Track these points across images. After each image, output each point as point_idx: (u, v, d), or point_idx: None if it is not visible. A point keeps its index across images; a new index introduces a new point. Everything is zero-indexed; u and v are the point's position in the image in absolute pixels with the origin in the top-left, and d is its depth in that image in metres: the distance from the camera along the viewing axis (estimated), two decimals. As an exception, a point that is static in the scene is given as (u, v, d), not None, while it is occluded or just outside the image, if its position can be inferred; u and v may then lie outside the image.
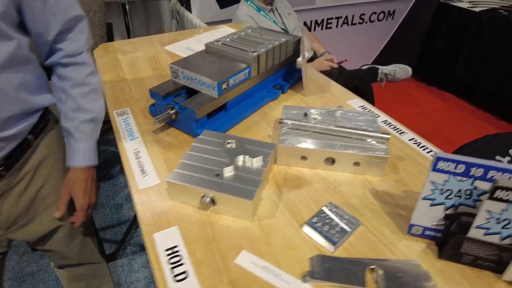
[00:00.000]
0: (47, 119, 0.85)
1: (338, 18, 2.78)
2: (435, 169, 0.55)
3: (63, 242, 0.94)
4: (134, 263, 1.66)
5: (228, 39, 1.00)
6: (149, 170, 0.75)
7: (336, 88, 1.10)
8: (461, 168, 0.54)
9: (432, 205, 0.58)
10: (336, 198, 0.69)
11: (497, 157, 1.24)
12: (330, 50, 2.17)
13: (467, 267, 0.57)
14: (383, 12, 2.95)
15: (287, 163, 0.77)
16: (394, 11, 3.00)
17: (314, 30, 2.74)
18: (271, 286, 0.53)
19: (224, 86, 0.83)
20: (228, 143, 0.73)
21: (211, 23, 1.79)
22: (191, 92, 0.88)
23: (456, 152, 1.35)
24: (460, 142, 1.34)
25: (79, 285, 1.09)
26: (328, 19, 2.74)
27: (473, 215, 0.54)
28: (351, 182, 0.73)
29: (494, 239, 0.54)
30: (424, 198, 0.58)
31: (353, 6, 2.78)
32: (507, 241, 0.54)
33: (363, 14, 2.87)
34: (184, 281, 0.54)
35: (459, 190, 0.56)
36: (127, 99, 1.01)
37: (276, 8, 2.01)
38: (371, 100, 2.07)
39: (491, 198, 0.52)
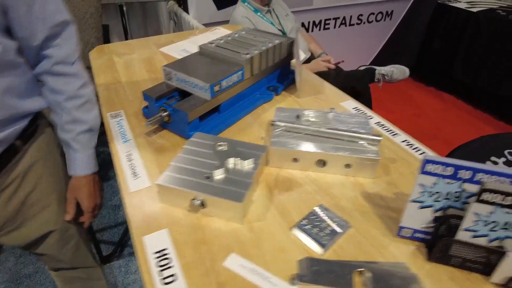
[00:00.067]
0: (37, 124, 0.84)
1: (336, 19, 2.78)
2: (423, 171, 0.55)
3: (56, 247, 0.94)
4: (131, 264, 1.66)
5: (222, 41, 1.00)
6: (141, 172, 0.75)
7: (330, 90, 1.10)
8: (449, 171, 0.54)
9: (421, 207, 0.58)
10: (327, 201, 0.69)
11: (493, 158, 1.23)
12: (328, 51, 2.17)
13: (456, 270, 0.57)
14: (381, 12, 2.95)
15: (278, 165, 0.77)
16: (392, 11, 3.00)
17: (312, 31, 2.74)
18: (259, 289, 0.53)
19: (216, 88, 0.83)
20: (219, 145, 0.73)
21: (209, 25, 1.79)
22: (184, 94, 0.88)
23: (452, 152, 1.34)
24: (458, 143, 1.34)
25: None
26: (326, 20, 2.74)
27: (462, 218, 0.54)
28: (343, 184, 0.73)
29: (482, 241, 0.54)
30: (413, 201, 0.58)
31: (351, 6, 2.78)
32: (494, 243, 0.54)
33: (361, 15, 2.87)
34: (172, 283, 0.54)
35: (448, 193, 0.56)
36: (121, 101, 1.01)
37: (273, 9, 2.01)
38: (368, 101, 2.07)
39: (479, 200, 0.52)
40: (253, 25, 1.90)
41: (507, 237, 0.53)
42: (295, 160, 0.75)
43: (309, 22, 2.69)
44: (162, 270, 0.56)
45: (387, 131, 0.90)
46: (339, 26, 2.84)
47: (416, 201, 0.58)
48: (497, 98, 2.70)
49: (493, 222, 0.53)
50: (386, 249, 0.60)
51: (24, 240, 0.89)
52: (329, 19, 2.76)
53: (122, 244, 1.76)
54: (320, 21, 2.73)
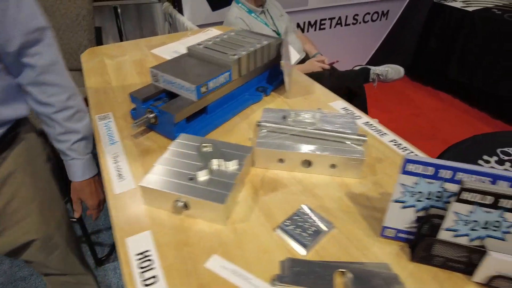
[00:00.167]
0: (17, 132, 0.82)
1: (331, 19, 2.78)
2: (404, 171, 0.55)
3: (40, 255, 0.93)
4: (125, 266, 1.66)
5: (210, 42, 1.00)
6: (126, 174, 0.75)
7: (320, 90, 1.10)
8: (430, 171, 0.54)
9: (403, 207, 0.58)
10: (311, 201, 0.69)
11: (485, 157, 1.23)
12: (324, 52, 2.17)
13: (439, 269, 0.57)
14: (376, 12, 2.95)
15: (265, 166, 0.77)
16: (388, 11, 3.00)
17: (308, 31, 2.74)
18: (239, 290, 0.53)
19: (203, 89, 0.83)
20: (204, 146, 0.73)
21: (203, 26, 1.79)
22: (172, 96, 0.88)
23: (445, 152, 1.34)
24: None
25: None
26: (321, 20, 2.74)
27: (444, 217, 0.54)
28: (328, 184, 0.73)
29: (463, 240, 0.54)
30: (395, 201, 0.58)
31: (347, 6, 2.78)
32: (476, 243, 0.54)
33: (357, 15, 2.87)
34: (153, 285, 0.54)
35: (430, 192, 0.56)
36: (111, 103, 1.01)
37: (267, 10, 2.01)
38: (363, 101, 2.07)
39: (458, 200, 0.51)
40: (247, 26, 1.90)
41: (488, 236, 0.53)
42: (281, 160, 0.75)
43: (304, 23, 2.69)
44: (143, 272, 0.56)
45: (375, 131, 0.90)
46: (334, 26, 2.84)
47: (398, 201, 0.58)
48: (493, 97, 2.69)
49: (474, 221, 0.52)
50: (369, 249, 0.60)
51: (4, 249, 0.88)
52: (325, 19, 2.76)
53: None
54: (316, 21, 2.73)
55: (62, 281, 1.04)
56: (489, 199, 0.50)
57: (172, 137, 0.83)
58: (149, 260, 0.58)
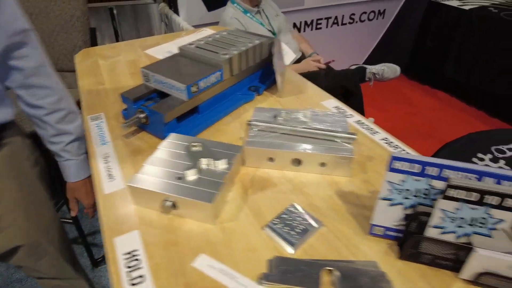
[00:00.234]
0: (2, 136, 0.81)
1: (328, 18, 2.78)
2: (391, 169, 0.55)
3: (28, 260, 0.92)
4: (122, 267, 1.66)
5: (202, 42, 1.00)
6: (117, 174, 0.75)
7: (313, 89, 1.09)
8: (417, 168, 0.54)
9: (391, 205, 0.58)
10: (301, 200, 0.69)
11: (479, 155, 1.23)
12: (321, 51, 2.17)
13: (427, 267, 0.57)
14: (373, 11, 2.95)
15: (255, 165, 0.77)
16: (385, 10, 3.00)
17: (304, 31, 2.74)
18: (226, 289, 0.53)
19: (194, 89, 0.83)
20: (193, 146, 0.73)
21: (199, 26, 1.79)
22: (163, 96, 0.88)
23: (439, 150, 1.34)
24: (454, 141, 1.34)
25: None
26: (317, 19, 2.74)
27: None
28: (318, 183, 0.73)
29: (450, 238, 0.54)
30: (383, 199, 0.58)
31: (343, 6, 2.78)
32: (462, 240, 0.54)
33: (353, 14, 2.87)
34: (139, 284, 0.54)
35: (417, 190, 0.56)
36: (103, 104, 1.01)
37: (263, 10, 2.01)
38: (359, 100, 2.06)
39: (445, 197, 0.51)
40: (243, 26, 1.90)
41: (474, 233, 0.53)
42: (271, 159, 0.75)
43: (301, 22, 2.69)
44: (130, 271, 0.56)
45: (367, 129, 0.89)
46: (331, 26, 2.84)
47: (385, 198, 0.58)
48: (490, 96, 2.69)
49: (460, 218, 0.52)
50: (358, 248, 0.60)
51: None
52: (321, 19, 2.76)
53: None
54: (312, 21, 2.73)
55: (54, 285, 1.04)
56: (474, 196, 0.50)
57: (162, 137, 0.83)
58: (136, 259, 0.58)
